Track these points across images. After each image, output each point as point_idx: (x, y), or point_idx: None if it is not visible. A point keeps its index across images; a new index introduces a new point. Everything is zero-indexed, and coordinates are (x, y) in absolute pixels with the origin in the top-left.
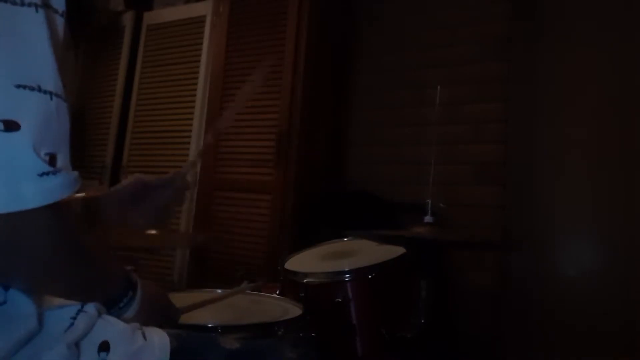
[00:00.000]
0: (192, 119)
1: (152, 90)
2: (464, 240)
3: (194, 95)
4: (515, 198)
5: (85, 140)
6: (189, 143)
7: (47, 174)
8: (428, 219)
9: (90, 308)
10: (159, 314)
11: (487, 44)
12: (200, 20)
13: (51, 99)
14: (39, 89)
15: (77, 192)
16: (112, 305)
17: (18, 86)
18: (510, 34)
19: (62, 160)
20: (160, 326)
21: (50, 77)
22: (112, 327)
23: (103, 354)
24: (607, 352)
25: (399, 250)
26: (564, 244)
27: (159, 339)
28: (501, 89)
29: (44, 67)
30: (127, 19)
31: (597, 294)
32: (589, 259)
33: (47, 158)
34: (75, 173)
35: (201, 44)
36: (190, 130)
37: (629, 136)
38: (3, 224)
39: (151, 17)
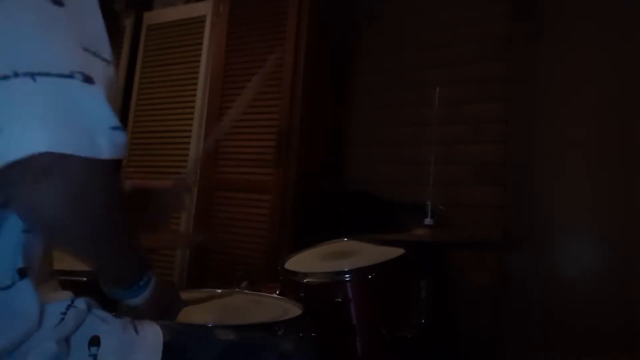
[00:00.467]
0: (192, 119)
1: (152, 90)
2: (464, 241)
3: (194, 95)
4: (515, 198)
5: None
6: (189, 143)
7: (117, 128)
8: (428, 221)
9: (80, 303)
10: (168, 302)
11: (487, 44)
12: (200, 20)
13: (108, 66)
14: (99, 55)
15: None
16: (132, 284)
17: (84, 49)
18: (510, 34)
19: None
20: (166, 316)
21: (106, 47)
22: (102, 322)
23: (94, 349)
24: (607, 352)
25: (399, 250)
26: (564, 244)
27: (152, 332)
28: (501, 89)
29: (101, 37)
30: (127, 19)
31: (597, 294)
32: (589, 259)
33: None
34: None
35: (201, 44)
36: (190, 130)
37: (629, 136)
38: (80, 166)
39: (151, 17)
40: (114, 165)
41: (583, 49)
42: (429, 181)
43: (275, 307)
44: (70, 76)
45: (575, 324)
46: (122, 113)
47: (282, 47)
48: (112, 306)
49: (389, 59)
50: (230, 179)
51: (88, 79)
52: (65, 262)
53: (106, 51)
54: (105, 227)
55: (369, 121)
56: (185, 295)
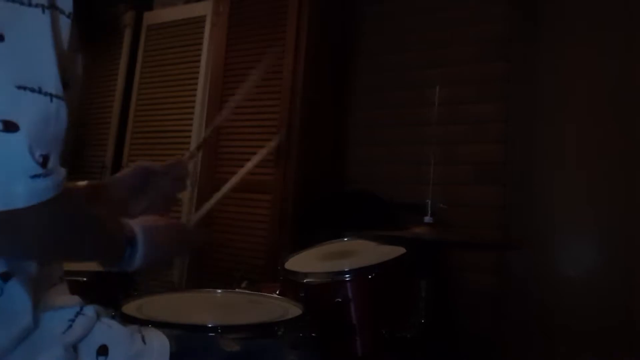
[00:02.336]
0: (192, 119)
1: (152, 90)
2: (464, 240)
3: (194, 95)
4: (515, 198)
5: (85, 140)
6: (189, 143)
7: (39, 176)
8: (428, 219)
9: (89, 310)
10: (170, 246)
11: (487, 44)
12: (200, 20)
13: (51, 100)
14: (40, 91)
15: (79, 181)
16: (117, 261)
17: (19, 87)
18: (510, 34)
19: (54, 160)
20: (181, 255)
21: (51, 79)
22: (110, 331)
23: (102, 358)
24: (607, 351)
25: (399, 250)
26: (564, 244)
27: (159, 342)
28: (501, 89)
29: (46, 69)
30: (127, 19)
31: (597, 294)
32: (589, 258)
33: (40, 160)
34: (64, 172)
35: (201, 44)
36: (190, 130)
37: (628, 136)
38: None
39: (151, 17)
40: (49, 201)
41: (583, 49)
42: (429, 181)
43: (275, 307)
44: None
45: (575, 323)
46: (122, 113)
47: (283, 41)
48: (114, 306)
49: (389, 59)
50: (230, 179)
51: (10, 127)
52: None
53: (51, 84)
54: (53, 247)
55: (369, 121)
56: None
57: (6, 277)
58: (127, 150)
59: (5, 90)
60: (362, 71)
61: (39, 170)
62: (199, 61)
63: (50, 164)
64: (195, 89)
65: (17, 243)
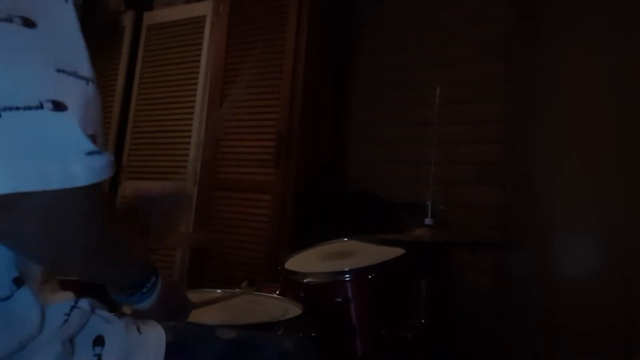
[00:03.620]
0: (192, 119)
1: (152, 90)
2: (464, 241)
3: (194, 95)
4: (515, 198)
5: None
6: (189, 143)
7: (93, 153)
8: (428, 221)
9: (84, 304)
10: (177, 304)
11: (487, 44)
12: (200, 20)
13: (87, 84)
14: (76, 75)
15: None
16: (135, 290)
17: (59, 70)
18: (510, 34)
19: (100, 142)
20: (175, 318)
21: (85, 63)
22: (106, 322)
23: (98, 349)
24: (607, 351)
25: (399, 250)
26: (564, 244)
27: (154, 332)
28: (501, 89)
29: (79, 54)
30: (127, 19)
31: (597, 294)
32: (589, 258)
33: (91, 139)
34: (112, 155)
35: (201, 44)
36: (190, 130)
37: (629, 136)
38: (54, 198)
39: (151, 17)
40: (98, 187)
41: (583, 49)
42: (429, 181)
43: (275, 307)
44: (38, 107)
45: (575, 323)
46: (122, 113)
47: (282, 41)
48: (112, 305)
49: (389, 59)
50: (230, 179)
51: (59, 106)
52: None
53: (85, 68)
54: (91, 249)
55: (369, 121)
56: (194, 296)
57: (19, 282)
58: (127, 150)
59: (49, 72)
60: (362, 71)
61: (93, 148)
62: (199, 61)
63: (99, 145)
64: (195, 89)
65: (53, 234)
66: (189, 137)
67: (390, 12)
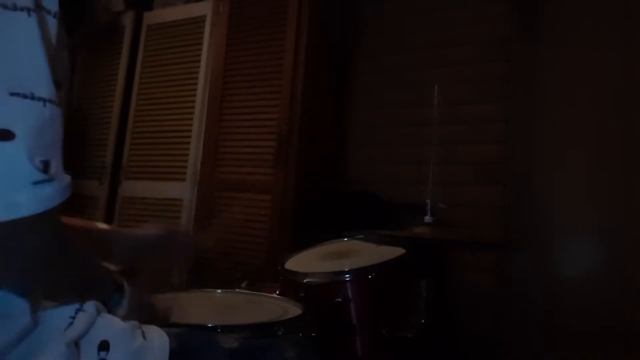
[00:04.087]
0: (192, 119)
1: (152, 90)
2: (464, 240)
3: (194, 95)
4: (515, 198)
5: (85, 140)
6: (189, 143)
7: (42, 182)
8: (428, 219)
9: (90, 307)
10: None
11: (487, 44)
12: (200, 20)
13: (44, 105)
14: (33, 97)
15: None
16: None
17: (12, 94)
18: (510, 34)
19: (55, 166)
20: (160, 324)
21: (43, 84)
22: (111, 326)
23: (103, 353)
24: (607, 352)
25: (399, 250)
26: (564, 244)
27: (159, 338)
28: (501, 89)
29: (37, 74)
30: (127, 19)
31: (597, 294)
32: (589, 258)
33: (41, 166)
34: (68, 179)
35: (201, 44)
36: (190, 130)
37: (628, 136)
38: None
39: (151, 17)
40: (49, 212)
41: (583, 49)
42: (429, 181)
43: (275, 307)
44: None
45: (575, 323)
46: (122, 113)
47: (282, 41)
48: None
49: (389, 59)
50: (230, 179)
51: (5, 135)
52: None
53: (44, 88)
54: (46, 268)
55: (369, 121)
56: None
57: None
58: (127, 150)
59: None
60: (362, 71)
61: (41, 176)
62: (199, 61)
63: (53, 170)
64: (195, 89)
65: (15, 263)
66: (189, 137)
67: (390, 12)
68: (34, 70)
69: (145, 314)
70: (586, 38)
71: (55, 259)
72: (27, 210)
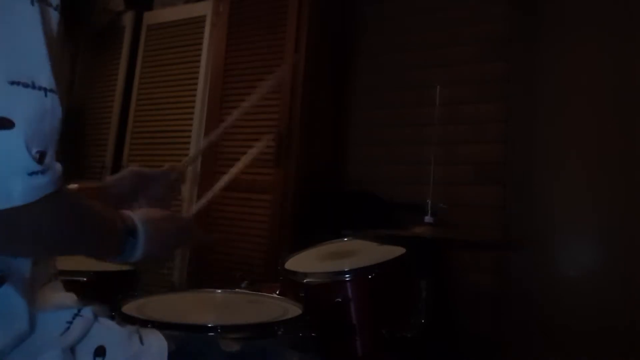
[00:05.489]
0: (192, 119)
1: (152, 90)
2: (464, 240)
3: (194, 95)
4: (515, 198)
5: (85, 140)
6: (189, 143)
7: (37, 173)
8: (428, 219)
9: (87, 312)
10: (173, 240)
11: (487, 44)
12: (200, 20)
13: (45, 95)
14: (33, 85)
15: (70, 185)
16: (120, 254)
17: (12, 82)
18: (510, 34)
19: (50, 156)
20: (182, 246)
21: (44, 73)
22: (108, 332)
23: (99, 359)
24: (607, 351)
25: (399, 250)
26: (564, 244)
27: (157, 343)
28: (501, 89)
29: (38, 63)
30: (127, 19)
31: (597, 294)
32: (589, 258)
33: (37, 156)
34: (60, 168)
35: (201, 44)
36: (190, 130)
37: (628, 136)
38: None
39: (151, 17)
40: (46, 198)
41: (583, 49)
42: (429, 181)
43: (275, 307)
44: None
45: (575, 323)
46: (122, 113)
47: (282, 41)
48: (114, 307)
49: (389, 59)
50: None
51: (4, 124)
52: (65, 262)
53: (44, 77)
54: (54, 241)
55: (369, 121)
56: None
57: (1, 280)
58: (127, 150)
59: None
60: (362, 71)
61: (37, 167)
62: (199, 61)
63: (47, 160)
64: (195, 89)
65: (17, 240)
66: (189, 137)
67: (390, 12)
68: (35, 58)
69: (169, 242)
70: (586, 38)
71: (65, 228)
72: (21, 199)
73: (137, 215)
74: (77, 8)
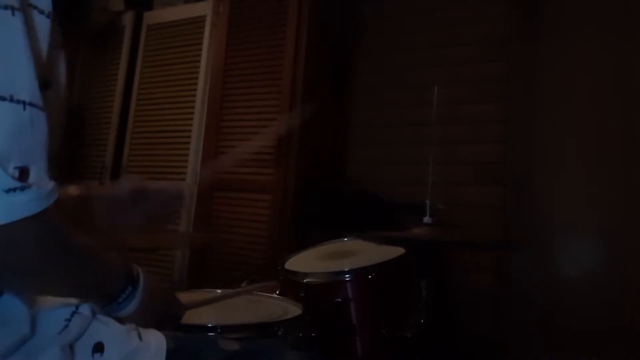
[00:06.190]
0: (192, 119)
1: (152, 90)
2: (463, 241)
3: (194, 95)
4: (515, 198)
5: (85, 140)
6: (189, 143)
7: (15, 189)
8: (427, 219)
9: (85, 309)
10: (162, 309)
11: (487, 44)
12: (200, 20)
13: (24, 108)
14: (11, 99)
15: (70, 187)
16: (111, 301)
17: None
18: (510, 34)
19: (36, 172)
20: (162, 324)
21: (24, 86)
22: (106, 328)
23: (97, 355)
24: (607, 351)
25: (399, 250)
26: (564, 244)
27: (155, 340)
28: (501, 89)
29: (19, 75)
30: (127, 19)
31: (597, 294)
32: (589, 258)
33: (15, 172)
34: (51, 185)
35: (201, 44)
36: (190, 130)
37: (629, 136)
38: None
39: (151, 17)
40: (39, 214)
41: (583, 49)
42: (429, 181)
43: (275, 307)
44: None
45: (575, 323)
46: (122, 113)
47: (282, 41)
48: None
49: (389, 59)
50: (230, 179)
51: None
52: None
53: (25, 90)
54: (44, 271)
55: (369, 121)
56: (191, 296)
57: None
58: (127, 150)
59: None
60: (362, 71)
61: (14, 184)
62: (199, 61)
63: (32, 176)
64: (195, 89)
65: (6, 268)
66: (189, 137)
67: (390, 12)
68: (15, 71)
69: (158, 311)
70: (586, 38)
71: (52, 262)
72: (2, 219)
73: (140, 268)
74: (77, 8)
